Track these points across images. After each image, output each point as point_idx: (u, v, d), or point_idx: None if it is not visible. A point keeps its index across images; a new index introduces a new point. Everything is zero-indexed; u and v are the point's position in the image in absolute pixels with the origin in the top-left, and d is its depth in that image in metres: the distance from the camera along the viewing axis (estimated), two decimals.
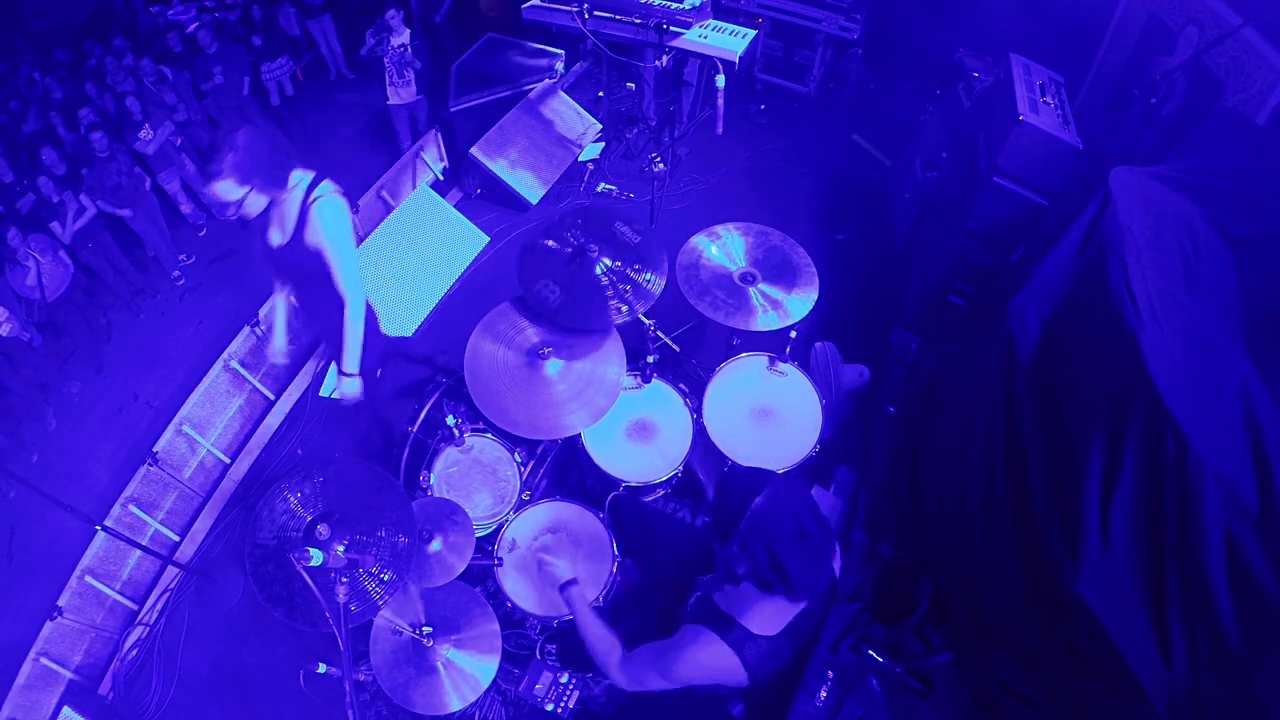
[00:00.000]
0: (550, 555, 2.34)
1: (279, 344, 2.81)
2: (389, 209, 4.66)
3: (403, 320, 4.28)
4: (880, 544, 2.61)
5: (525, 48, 5.78)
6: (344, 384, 2.70)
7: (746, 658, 1.74)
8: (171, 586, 3.51)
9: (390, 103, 5.72)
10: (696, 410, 2.79)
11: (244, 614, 3.37)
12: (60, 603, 3.25)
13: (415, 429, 2.94)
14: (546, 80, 5.46)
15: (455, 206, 4.83)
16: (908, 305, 3.82)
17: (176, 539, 3.71)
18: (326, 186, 2.45)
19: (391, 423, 3.28)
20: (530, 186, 5.05)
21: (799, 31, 5.50)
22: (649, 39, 4.34)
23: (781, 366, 2.83)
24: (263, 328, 4.02)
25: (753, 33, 4.43)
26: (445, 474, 2.75)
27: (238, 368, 3.96)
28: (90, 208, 5.08)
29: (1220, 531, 1.65)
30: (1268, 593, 1.59)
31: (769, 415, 2.75)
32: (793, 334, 2.78)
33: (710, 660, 1.76)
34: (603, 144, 5.22)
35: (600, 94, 5.11)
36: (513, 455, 2.77)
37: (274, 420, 4.15)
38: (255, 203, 2.36)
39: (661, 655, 1.85)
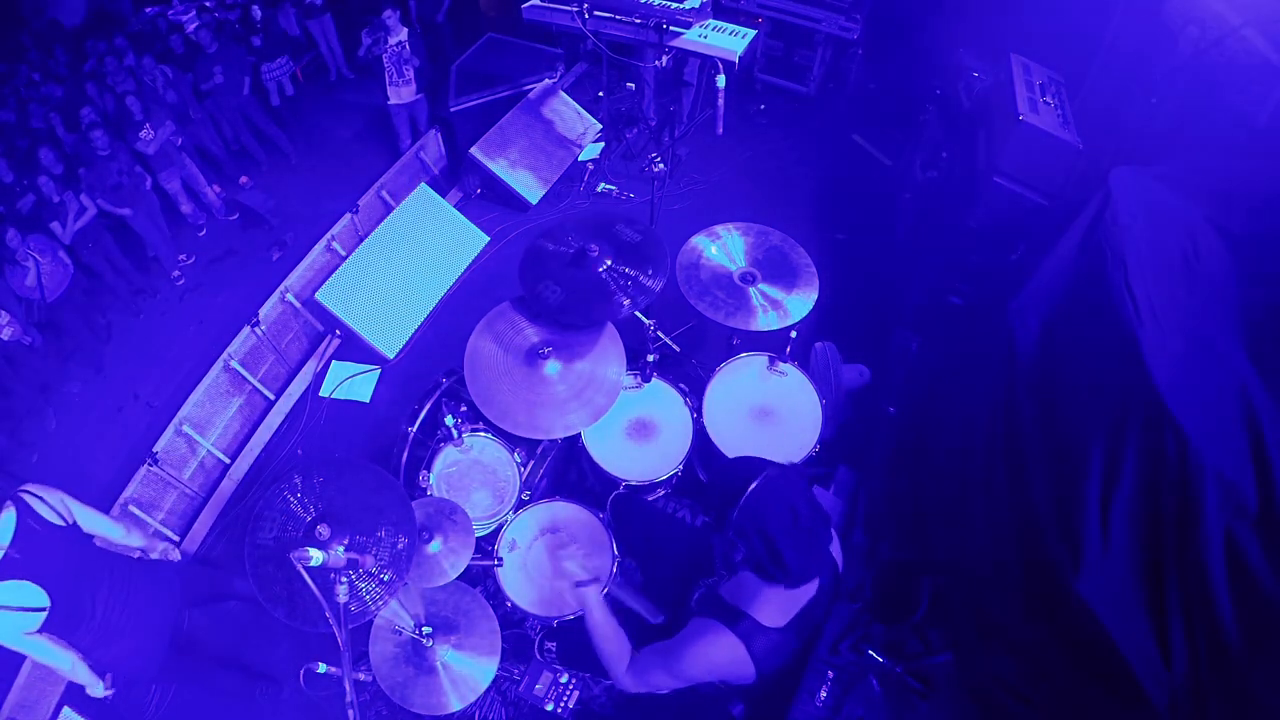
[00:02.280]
0: (568, 555, 2.34)
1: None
2: (389, 209, 4.66)
3: (401, 321, 4.28)
4: (880, 544, 2.61)
5: (525, 48, 5.78)
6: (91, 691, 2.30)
7: (755, 650, 1.73)
8: None
9: (390, 102, 5.72)
10: (696, 410, 2.79)
11: (244, 614, 3.36)
12: None
13: (415, 429, 2.94)
14: (546, 80, 5.46)
15: (455, 206, 4.83)
16: (908, 305, 3.82)
17: (177, 539, 3.71)
18: None
19: (391, 423, 3.26)
20: (530, 186, 5.05)
21: (799, 31, 5.50)
22: (649, 39, 4.34)
23: (781, 366, 2.83)
24: (263, 328, 4.03)
25: (753, 33, 4.43)
26: (444, 474, 2.74)
27: (238, 368, 3.96)
28: (90, 207, 5.08)
29: (1220, 531, 1.65)
30: (1268, 593, 1.58)
31: (769, 415, 2.75)
32: (793, 334, 2.78)
33: (719, 654, 1.75)
34: (603, 144, 5.22)
35: (600, 94, 5.11)
36: (512, 455, 2.77)
37: (274, 420, 4.16)
38: None
39: (669, 653, 1.84)
